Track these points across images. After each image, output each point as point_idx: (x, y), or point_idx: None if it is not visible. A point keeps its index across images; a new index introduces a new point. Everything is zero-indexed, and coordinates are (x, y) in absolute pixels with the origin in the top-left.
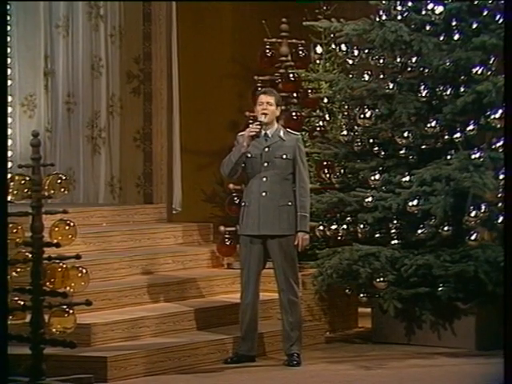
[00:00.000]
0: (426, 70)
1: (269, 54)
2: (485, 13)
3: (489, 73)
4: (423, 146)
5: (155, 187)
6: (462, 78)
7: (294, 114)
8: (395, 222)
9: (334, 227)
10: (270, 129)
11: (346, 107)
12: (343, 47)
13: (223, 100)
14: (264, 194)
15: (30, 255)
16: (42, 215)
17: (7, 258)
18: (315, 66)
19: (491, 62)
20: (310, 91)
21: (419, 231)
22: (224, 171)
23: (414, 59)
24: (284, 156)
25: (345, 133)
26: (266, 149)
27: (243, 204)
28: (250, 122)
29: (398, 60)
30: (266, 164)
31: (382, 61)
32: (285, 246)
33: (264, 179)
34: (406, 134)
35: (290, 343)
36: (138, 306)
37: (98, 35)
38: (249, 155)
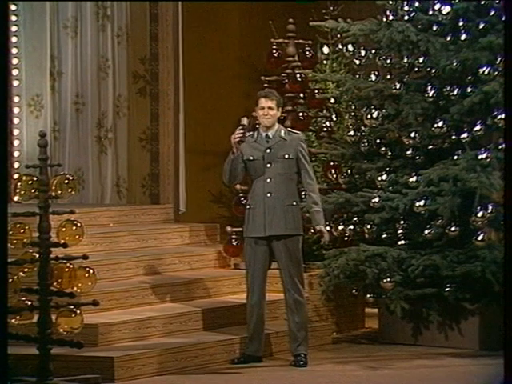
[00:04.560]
0: (433, 71)
1: (276, 55)
2: (492, 13)
3: (496, 73)
4: (430, 147)
5: (162, 188)
6: (469, 78)
7: (300, 114)
8: (402, 222)
9: (340, 227)
10: (271, 130)
11: (353, 107)
12: (350, 47)
13: (230, 100)
14: (269, 194)
15: (38, 255)
16: (49, 215)
17: (7, 258)
18: (322, 67)
19: (498, 62)
20: (316, 91)
21: (426, 231)
22: (224, 179)
23: (420, 59)
24: (286, 156)
25: (352, 133)
26: (268, 150)
27: (248, 207)
28: (257, 122)
29: (405, 60)
30: (268, 165)
31: (388, 61)
32: (290, 247)
33: (268, 180)
34: (412, 135)
35: (296, 344)
36: (145, 306)
37: (104, 36)
38: (251, 158)
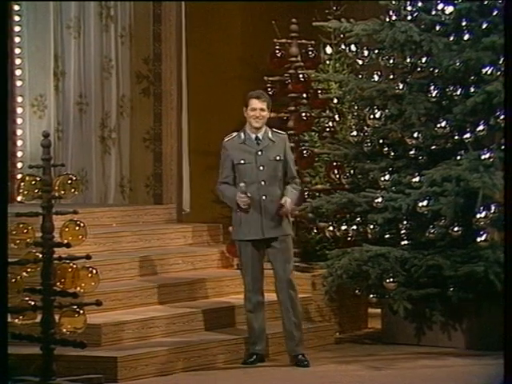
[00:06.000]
0: (436, 71)
1: (278, 55)
2: (495, 13)
3: (498, 73)
4: (433, 147)
5: (165, 188)
6: (472, 78)
7: (303, 114)
8: (405, 222)
9: (343, 228)
10: (260, 132)
11: (356, 108)
12: (353, 47)
13: (232, 100)
14: (264, 197)
15: (41, 255)
16: (52, 215)
17: (7, 257)
18: (325, 67)
19: (501, 62)
20: (319, 92)
21: (429, 232)
22: (220, 198)
23: (423, 59)
24: (278, 158)
25: (354, 133)
26: (260, 152)
27: (239, 210)
28: None
29: (408, 60)
30: (261, 168)
31: (391, 61)
32: (284, 246)
33: (262, 183)
34: (415, 135)
35: (294, 343)
36: (147, 306)
37: (108, 36)
38: (242, 161)
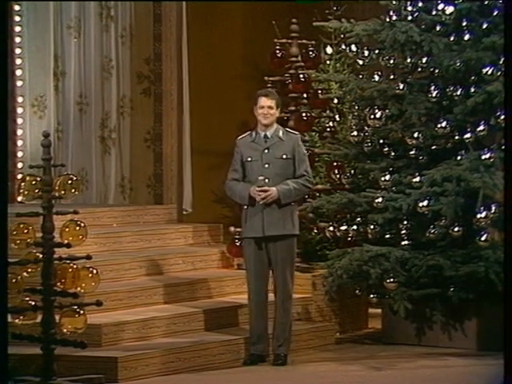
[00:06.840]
0: (437, 71)
1: (279, 55)
2: (495, 13)
3: (499, 73)
4: (433, 147)
5: (165, 188)
6: (473, 78)
7: (304, 114)
8: (405, 222)
9: (344, 228)
10: (270, 130)
11: (356, 108)
12: (353, 48)
13: (233, 100)
14: None
15: (41, 255)
16: (52, 216)
17: (7, 257)
18: (325, 67)
19: (501, 62)
20: (320, 92)
21: (429, 232)
22: (228, 195)
23: (424, 60)
24: (284, 156)
25: (355, 133)
26: (266, 150)
27: (245, 207)
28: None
29: (409, 60)
30: (266, 165)
31: (392, 61)
32: (286, 247)
33: (266, 181)
34: (416, 135)
35: (278, 343)
36: (148, 306)
37: (108, 36)
38: (249, 159)
